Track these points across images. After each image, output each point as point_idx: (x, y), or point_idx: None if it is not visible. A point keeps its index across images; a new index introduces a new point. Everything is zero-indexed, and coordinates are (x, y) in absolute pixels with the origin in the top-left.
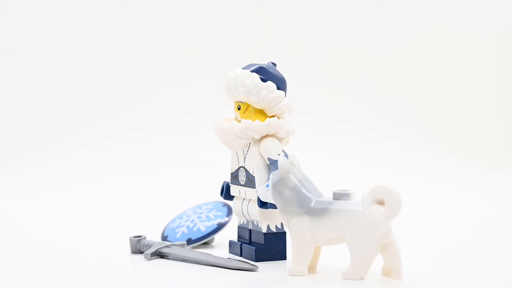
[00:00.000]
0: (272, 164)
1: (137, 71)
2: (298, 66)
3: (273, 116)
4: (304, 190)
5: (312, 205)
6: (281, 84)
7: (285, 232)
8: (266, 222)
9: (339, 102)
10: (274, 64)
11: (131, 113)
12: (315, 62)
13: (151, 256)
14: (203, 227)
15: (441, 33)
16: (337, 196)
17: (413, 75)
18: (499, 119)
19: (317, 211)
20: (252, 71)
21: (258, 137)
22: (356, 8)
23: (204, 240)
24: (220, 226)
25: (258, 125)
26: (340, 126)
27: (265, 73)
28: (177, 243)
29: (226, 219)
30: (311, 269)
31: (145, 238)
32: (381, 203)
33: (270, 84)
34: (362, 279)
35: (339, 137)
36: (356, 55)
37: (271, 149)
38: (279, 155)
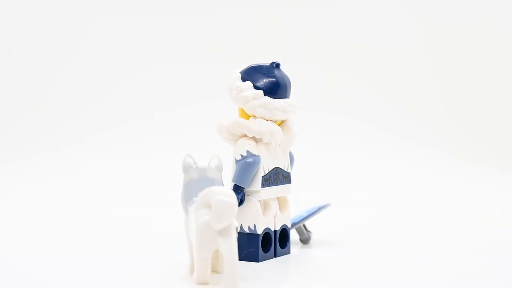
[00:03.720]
0: (236, 163)
1: (129, 68)
2: (304, 64)
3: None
4: (191, 189)
5: (187, 204)
6: (266, 85)
7: (258, 234)
8: (239, 222)
9: (346, 101)
10: (276, 65)
11: (127, 110)
12: (319, 60)
13: None
14: (305, 213)
15: (447, 32)
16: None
17: (425, 75)
18: (507, 120)
19: (187, 211)
20: (240, 72)
21: (228, 136)
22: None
23: (301, 223)
24: (317, 209)
25: (224, 125)
26: (347, 125)
27: (249, 73)
28: None
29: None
30: (213, 269)
31: None
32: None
33: (240, 84)
34: (203, 283)
35: (348, 136)
36: (362, 52)
37: (237, 149)
38: (241, 155)
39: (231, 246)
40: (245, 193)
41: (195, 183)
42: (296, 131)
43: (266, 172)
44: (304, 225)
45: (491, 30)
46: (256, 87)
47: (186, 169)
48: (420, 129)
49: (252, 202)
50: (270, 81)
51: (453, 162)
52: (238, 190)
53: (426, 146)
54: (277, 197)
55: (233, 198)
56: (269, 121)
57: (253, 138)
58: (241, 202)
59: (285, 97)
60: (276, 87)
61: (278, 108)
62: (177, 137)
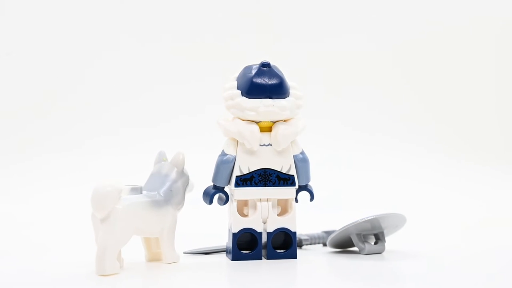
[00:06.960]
0: None
1: (135, 67)
2: (301, 66)
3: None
4: (147, 183)
5: None
6: (243, 85)
7: (234, 233)
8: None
9: (343, 102)
10: (263, 64)
11: (128, 111)
12: (317, 62)
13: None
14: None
15: (438, 33)
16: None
17: (415, 76)
18: (502, 120)
19: None
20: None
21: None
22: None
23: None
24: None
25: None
26: (344, 127)
27: (239, 74)
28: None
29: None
30: (155, 258)
31: None
32: None
33: (225, 85)
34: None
35: (343, 138)
36: (354, 55)
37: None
38: (219, 154)
39: (104, 233)
40: (229, 192)
41: (149, 178)
42: (285, 133)
43: (245, 172)
44: (378, 235)
45: (487, 27)
46: (237, 87)
47: (154, 164)
48: (419, 131)
49: (232, 201)
50: (247, 81)
51: (452, 164)
52: (215, 188)
53: (425, 148)
54: (277, 199)
55: (106, 189)
56: (245, 121)
57: (233, 138)
58: (225, 200)
59: (269, 97)
60: (251, 87)
61: (249, 108)
62: (178, 140)
